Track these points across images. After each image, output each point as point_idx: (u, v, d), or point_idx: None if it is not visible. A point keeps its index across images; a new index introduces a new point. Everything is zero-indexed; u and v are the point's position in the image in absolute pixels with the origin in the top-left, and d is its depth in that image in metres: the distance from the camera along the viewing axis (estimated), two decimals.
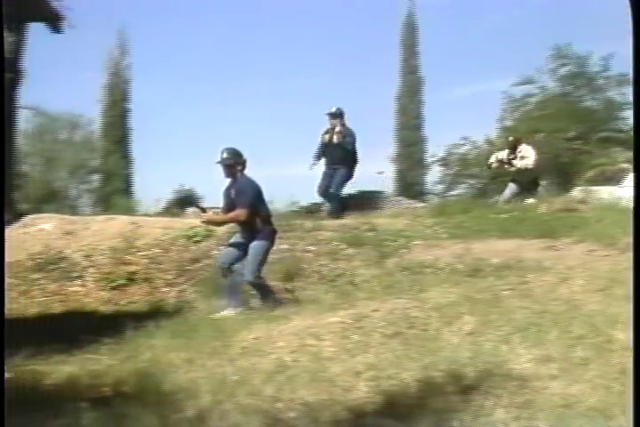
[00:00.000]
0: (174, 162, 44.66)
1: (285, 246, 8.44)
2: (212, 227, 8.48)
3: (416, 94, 25.23)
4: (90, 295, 8.33)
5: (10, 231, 8.83)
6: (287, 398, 3.62)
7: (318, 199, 11.29)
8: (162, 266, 8.78)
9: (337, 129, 10.57)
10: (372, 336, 4.60)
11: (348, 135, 10.61)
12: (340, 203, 10.68)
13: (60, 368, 4.47)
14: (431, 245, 8.46)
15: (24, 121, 22.55)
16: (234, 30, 40.73)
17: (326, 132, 10.74)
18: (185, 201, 14.57)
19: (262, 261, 6.70)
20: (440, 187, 24.83)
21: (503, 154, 12.07)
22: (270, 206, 7.28)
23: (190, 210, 12.22)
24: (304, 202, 12.09)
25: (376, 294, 6.06)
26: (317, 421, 3.31)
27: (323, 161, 10.84)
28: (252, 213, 6.65)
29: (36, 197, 21.58)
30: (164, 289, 8.32)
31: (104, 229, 9.94)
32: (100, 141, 25.77)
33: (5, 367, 4.41)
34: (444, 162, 24.50)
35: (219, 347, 4.87)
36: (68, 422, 3.14)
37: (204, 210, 7.10)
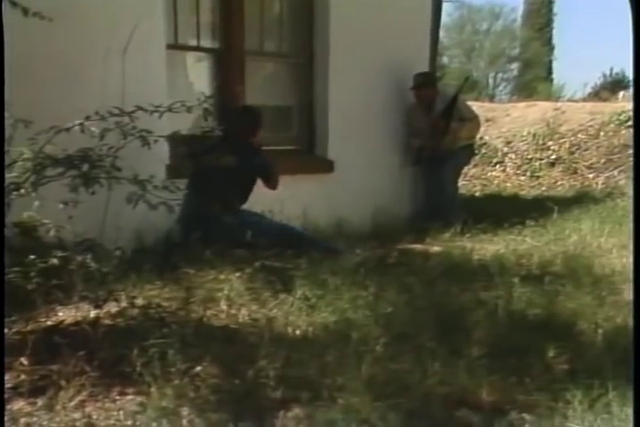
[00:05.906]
0: (600, 46, 41.90)
1: None
2: None
3: None
4: (510, 180, 8.33)
5: None
6: None
7: None
8: (587, 152, 8.35)
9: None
10: None
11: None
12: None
13: (485, 246, 4.51)
14: None
15: (446, 14, 23.15)
16: None
17: None
18: (616, 85, 13.57)
19: None
20: None
21: None
22: None
23: (621, 93, 11.35)
24: None
25: None
26: None
27: None
28: None
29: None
30: (590, 175, 7.92)
31: (524, 116, 9.78)
32: (520, 30, 25.48)
33: (433, 242, 4.65)
34: None
35: None
36: (500, 294, 3.12)
37: None
